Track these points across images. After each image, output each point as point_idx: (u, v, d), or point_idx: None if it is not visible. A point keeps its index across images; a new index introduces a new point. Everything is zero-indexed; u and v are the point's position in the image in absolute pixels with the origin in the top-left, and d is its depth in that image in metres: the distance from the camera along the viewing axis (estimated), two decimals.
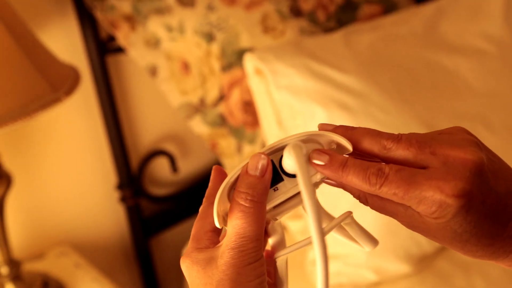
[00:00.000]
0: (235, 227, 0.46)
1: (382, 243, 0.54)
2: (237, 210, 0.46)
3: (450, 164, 0.45)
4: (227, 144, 1.32)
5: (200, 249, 0.48)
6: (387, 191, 0.45)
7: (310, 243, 0.48)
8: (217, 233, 0.50)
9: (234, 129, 1.30)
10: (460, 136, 0.47)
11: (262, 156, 0.47)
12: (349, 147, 0.48)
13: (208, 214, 0.50)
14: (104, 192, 1.44)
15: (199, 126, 1.32)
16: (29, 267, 1.30)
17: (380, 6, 1.38)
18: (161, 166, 1.49)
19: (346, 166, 0.46)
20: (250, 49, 1.25)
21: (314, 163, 0.47)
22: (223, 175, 0.51)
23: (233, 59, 1.26)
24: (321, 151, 0.48)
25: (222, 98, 1.29)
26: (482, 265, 1.13)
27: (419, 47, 1.24)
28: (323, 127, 0.50)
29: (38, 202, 1.36)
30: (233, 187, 0.48)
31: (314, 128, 0.50)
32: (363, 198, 0.48)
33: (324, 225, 0.50)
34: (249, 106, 1.27)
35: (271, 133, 1.21)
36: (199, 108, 1.31)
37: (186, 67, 1.30)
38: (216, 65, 1.27)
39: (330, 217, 0.52)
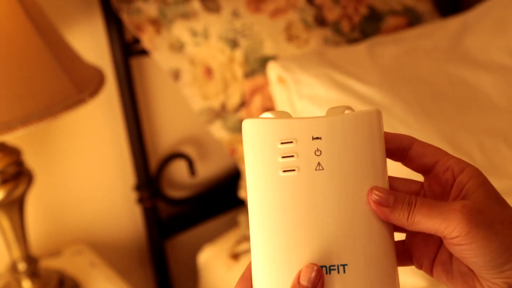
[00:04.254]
0: None
1: None
2: None
3: None
4: None
5: None
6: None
7: None
8: None
9: None
10: None
11: (315, 267, 0.45)
12: None
13: None
14: (122, 193, 1.45)
15: (219, 131, 1.33)
16: (45, 264, 1.31)
17: (405, 18, 1.38)
18: (179, 168, 1.50)
19: None
20: (273, 57, 1.25)
21: None
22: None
23: (256, 66, 1.27)
24: None
25: (243, 104, 1.29)
26: None
27: (442, 62, 1.23)
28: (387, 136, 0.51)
29: (58, 200, 1.37)
30: None
31: None
32: None
33: None
34: None
35: None
36: (220, 113, 1.31)
37: (209, 72, 1.30)
38: (239, 71, 1.28)
39: None
